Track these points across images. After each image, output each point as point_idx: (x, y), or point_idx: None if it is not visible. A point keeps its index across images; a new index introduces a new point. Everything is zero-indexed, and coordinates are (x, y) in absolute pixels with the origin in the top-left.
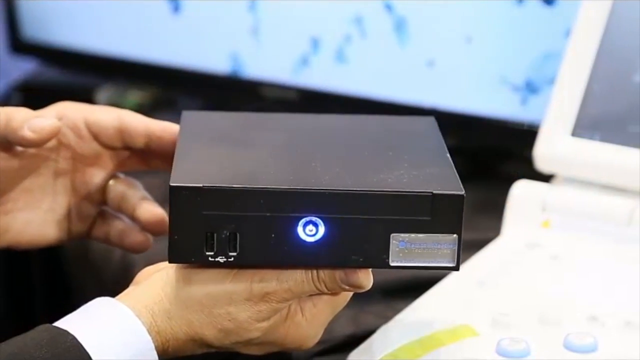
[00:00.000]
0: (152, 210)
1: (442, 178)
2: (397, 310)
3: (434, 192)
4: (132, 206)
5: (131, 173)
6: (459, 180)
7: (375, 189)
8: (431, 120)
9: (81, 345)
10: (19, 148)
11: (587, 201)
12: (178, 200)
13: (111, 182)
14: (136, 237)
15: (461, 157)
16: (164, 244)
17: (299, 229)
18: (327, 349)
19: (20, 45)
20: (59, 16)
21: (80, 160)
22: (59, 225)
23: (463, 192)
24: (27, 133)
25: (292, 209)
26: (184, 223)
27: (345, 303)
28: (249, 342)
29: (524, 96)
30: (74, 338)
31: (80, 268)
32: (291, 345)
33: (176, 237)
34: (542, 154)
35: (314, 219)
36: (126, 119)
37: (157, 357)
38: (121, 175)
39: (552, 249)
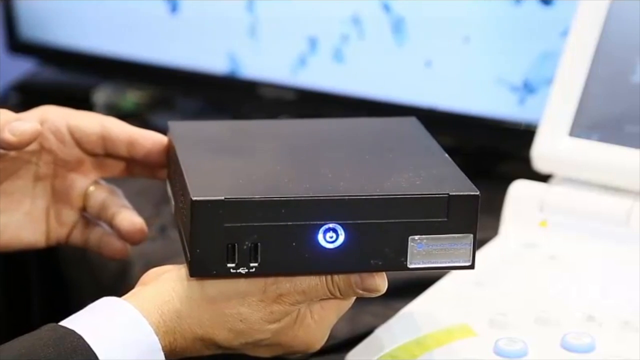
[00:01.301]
0: (130, 219)
1: (453, 179)
2: (395, 310)
3: (450, 193)
4: (111, 214)
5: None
6: (469, 180)
7: (394, 193)
8: (414, 121)
9: (88, 345)
10: (0, 151)
11: (584, 201)
12: (200, 214)
13: (91, 188)
14: (114, 244)
15: (459, 157)
16: (161, 243)
17: (320, 236)
18: (325, 349)
19: (18, 45)
20: (56, 16)
21: (62, 165)
22: (37, 229)
23: (478, 192)
24: (8, 136)
25: (313, 217)
26: (205, 236)
27: (350, 305)
28: (258, 344)
29: (522, 96)
30: (80, 338)
31: (78, 268)
32: (299, 347)
33: (198, 250)
34: (540, 154)
35: (334, 225)
36: (109, 126)
37: (164, 357)
38: (102, 182)
39: (550, 249)
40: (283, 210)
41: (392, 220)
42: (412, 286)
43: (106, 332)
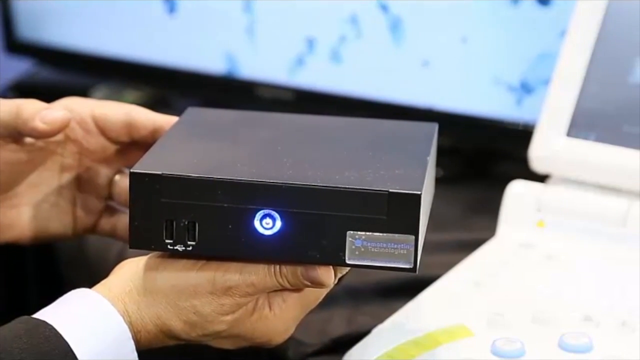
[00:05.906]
0: None
1: (406, 178)
2: (393, 311)
3: (390, 190)
4: None
5: None
6: (423, 182)
7: (332, 185)
8: (432, 126)
9: (60, 335)
10: (28, 141)
11: (581, 201)
12: (138, 186)
13: (117, 177)
14: None
15: (456, 157)
16: None
17: (256, 222)
18: (322, 349)
19: (16, 45)
20: (54, 16)
21: (87, 155)
22: (64, 220)
23: (420, 192)
24: (39, 124)
25: (248, 201)
26: (143, 210)
27: (318, 302)
28: (216, 335)
29: (519, 96)
30: (52, 328)
31: (75, 268)
32: (259, 339)
33: (136, 223)
34: (537, 154)
35: (270, 212)
36: (134, 114)
37: (134, 346)
38: (126, 170)
39: (547, 249)
40: (219, 192)
41: (330, 213)
42: (409, 286)
43: (77, 322)
